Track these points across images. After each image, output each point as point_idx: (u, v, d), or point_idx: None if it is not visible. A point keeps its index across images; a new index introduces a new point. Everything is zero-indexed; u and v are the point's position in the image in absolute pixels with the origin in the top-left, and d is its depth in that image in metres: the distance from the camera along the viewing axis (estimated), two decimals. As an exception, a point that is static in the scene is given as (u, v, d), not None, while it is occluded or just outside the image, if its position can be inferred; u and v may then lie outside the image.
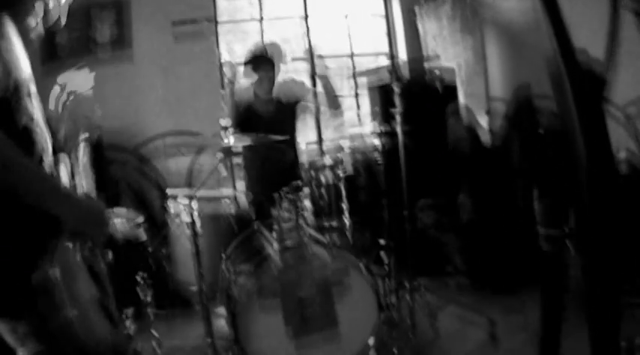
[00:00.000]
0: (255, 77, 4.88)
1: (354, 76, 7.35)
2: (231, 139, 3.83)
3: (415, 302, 4.41)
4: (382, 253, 4.67)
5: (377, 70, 5.47)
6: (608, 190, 0.92)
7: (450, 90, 6.30)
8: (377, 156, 4.55)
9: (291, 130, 4.99)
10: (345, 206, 4.29)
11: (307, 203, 4.27)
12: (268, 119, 4.84)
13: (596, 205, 0.92)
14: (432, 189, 5.71)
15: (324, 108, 4.98)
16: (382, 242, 4.65)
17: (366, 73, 5.57)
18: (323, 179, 4.35)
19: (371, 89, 6.32)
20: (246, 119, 4.80)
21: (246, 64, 4.87)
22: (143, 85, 6.28)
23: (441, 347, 4.26)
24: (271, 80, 4.91)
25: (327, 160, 4.37)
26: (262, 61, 4.85)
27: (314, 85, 5.23)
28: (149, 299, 4.13)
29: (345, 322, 3.65)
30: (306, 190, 4.27)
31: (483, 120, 6.01)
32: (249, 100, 4.95)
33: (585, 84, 0.97)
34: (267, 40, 6.75)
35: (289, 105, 5.02)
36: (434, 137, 5.82)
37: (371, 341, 3.77)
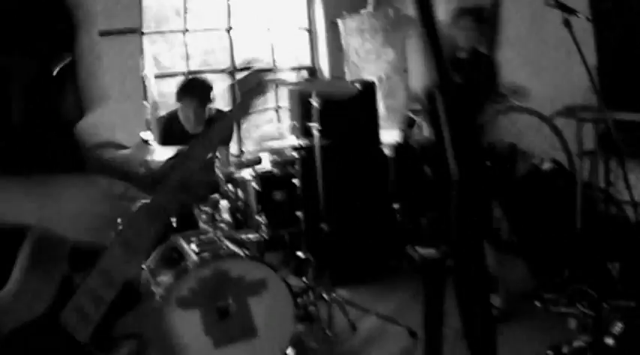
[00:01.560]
0: (183, 108, 4.85)
1: (276, 88, 7.38)
2: (153, 152, 3.83)
3: (333, 313, 4.49)
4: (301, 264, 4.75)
5: (298, 83, 5.53)
6: (475, 206, 0.98)
7: (369, 88, 6.33)
8: (295, 168, 4.61)
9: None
10: (262, 218, 4.35)
11: (225, 215, 4.33)
12: (194, 134, 4.85)
13: (464, 225, 0.98)
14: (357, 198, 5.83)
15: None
16: (300, 254, 4.72)
17: (288, 84, 5.62)
18: (240, 192, 4.42)
19: (291, 98, 6.36)
20: (170, 131, 4.79)
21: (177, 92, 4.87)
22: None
23: (360, 348, 4.36)
24: (198, 116, 4.85)
25: (246, 174, 4.44)
26: (189, 94, 4.85)
27: (234, 95, 5.23)
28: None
29: (264, 332, 3.72)
30: (224, 203, 4.33)
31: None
32: (174, 114, 4.96)
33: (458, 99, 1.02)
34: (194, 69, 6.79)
35: (214, 118, 5.06)
36: (351, 140, 5.91)
37: (290, 351, 3.85)
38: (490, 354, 1.11)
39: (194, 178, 1.75)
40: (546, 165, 5.28)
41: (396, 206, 6.06)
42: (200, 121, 4.82)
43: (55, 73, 1.73)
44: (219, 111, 4.98)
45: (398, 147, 5.68)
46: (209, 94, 4.84)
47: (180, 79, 5.24)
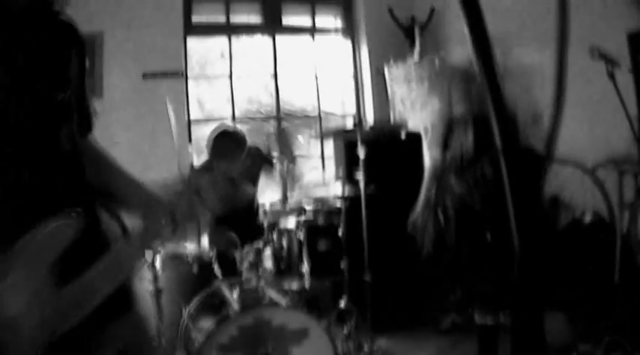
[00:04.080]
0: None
1: (321, 136, 7.40)
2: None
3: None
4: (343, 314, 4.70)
5: (344, 131, 5.53)
6: (537, 282, 0.95)
7: (414, 138, 6.34)
8: (339, 218, 4.59)
9: (254, 182, 5.07)
10: (305, 268, 4.33)
11: (268, 263, 4.32)
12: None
13: (525, 297, 0.94)
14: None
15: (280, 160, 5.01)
16: (342, 304, 4.68)
17: (333, 132, 5.63)
18: (284, 241, 4.40)
19: (336, 146, 6.36)
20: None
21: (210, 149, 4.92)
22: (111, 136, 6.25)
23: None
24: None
25: (290, 222, 4.43)
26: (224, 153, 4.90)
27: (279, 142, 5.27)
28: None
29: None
30: (268, 251, 4.32)
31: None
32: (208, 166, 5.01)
33: (523, 168, 1.00)
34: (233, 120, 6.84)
35: (255, 160, 5.08)
36: (399, 188, 5.89)
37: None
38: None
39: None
40: (587, 218, 5.20)
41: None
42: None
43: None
44: (257, 149, 5.04)
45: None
46: (240, 150, 4.89)
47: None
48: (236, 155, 4.86)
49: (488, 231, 4.32)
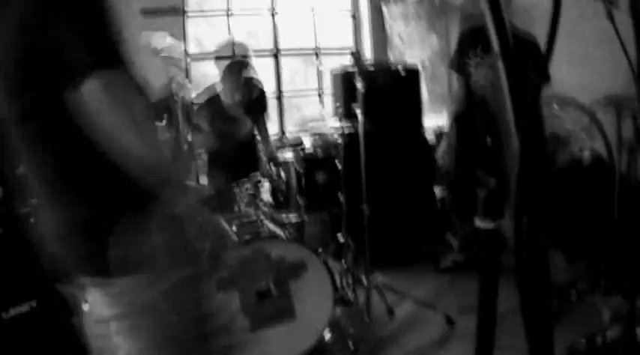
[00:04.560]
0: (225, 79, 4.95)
1: (320, 71, 7.37)
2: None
3: (371, 298, 4.46)
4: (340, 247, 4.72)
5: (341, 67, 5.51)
6: (539, 187, 0.95)
7: (413, 74, 6.32)
8: (337, 151, 4.58)
9: (257, 120, 5.13)
10: (303, 201, 4.33)
11: (266, 196, 4.32)
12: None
13: (525, 202, 0.94)
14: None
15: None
16: (340, 237, 4.70)
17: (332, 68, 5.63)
18: (283, 173, 4.40)
19: (335, 81, 6.33)
20: (214, 113, 4.95)
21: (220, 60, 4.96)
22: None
23: (397, 333, 4.33)
24: (240, 85, 4.98)
25: (288, 155, 4.42)
26: (235, 68, 4.96)
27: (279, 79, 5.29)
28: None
29: (302, 315, 3.70)
30: (266, 184, 4.32)
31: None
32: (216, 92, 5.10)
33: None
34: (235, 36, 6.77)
35: (259, 88, 5.13)
36: (395, 125, 5.90)
37: (327, 332, 3.84)
38: (547, 331, 1.09)
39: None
40: (586, 155, 5.20)
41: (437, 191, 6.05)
42: (239, 90, 4.92)
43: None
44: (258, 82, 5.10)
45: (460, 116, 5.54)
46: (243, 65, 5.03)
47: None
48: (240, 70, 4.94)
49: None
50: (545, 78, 4.35)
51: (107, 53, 1.60)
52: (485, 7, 1.01)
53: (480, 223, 1.18)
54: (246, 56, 5.09)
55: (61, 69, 1.56)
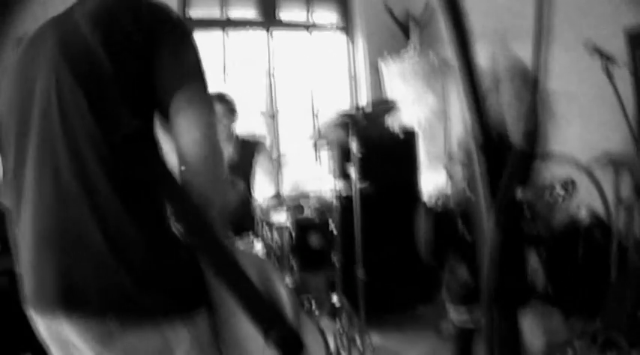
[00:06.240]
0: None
1: (317, 131, 7.37)
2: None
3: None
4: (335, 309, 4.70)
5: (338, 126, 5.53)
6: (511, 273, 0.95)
7: (411, 136, 6.37)
8: (332, 214, 4.58)
9: (249, 171, 5.10)
10: (295, 262, 4.32)
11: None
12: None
13: (496, 296, 0.94)
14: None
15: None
16: (335, 299, 4.68)
17: (328, 128, 5.62)
18: (276, 235, 4.40)
19: (330, 141, 6.34)
20: None
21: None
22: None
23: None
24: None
25: (282, 217, 4.42)
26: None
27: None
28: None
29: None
30: (258, 244, 4.31)
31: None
32: None
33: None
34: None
35: (250, 147, 5.11)
36: (394, 184, 5.91)
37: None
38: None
39: None
40: (583, 213, 5.21)
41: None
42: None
43: None
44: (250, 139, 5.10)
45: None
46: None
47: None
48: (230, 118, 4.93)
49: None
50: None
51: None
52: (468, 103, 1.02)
53: (453, 314, 1.18)
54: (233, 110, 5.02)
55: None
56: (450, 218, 4.65)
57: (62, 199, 1.69)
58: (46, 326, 1.78)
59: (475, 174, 0.99)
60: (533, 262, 5.01)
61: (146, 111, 1.77)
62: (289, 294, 1.88)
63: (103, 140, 1.67)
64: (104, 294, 1.66)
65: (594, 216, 5.24)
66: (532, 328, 4.25)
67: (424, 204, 5.19)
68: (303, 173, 7.03)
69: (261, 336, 1.67)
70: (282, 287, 1.91)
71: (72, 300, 1.66)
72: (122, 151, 1.68)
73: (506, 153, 0.99)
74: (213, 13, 7.03)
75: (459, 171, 4.56)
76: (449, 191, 4.70)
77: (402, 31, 7.37)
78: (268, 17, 7.30)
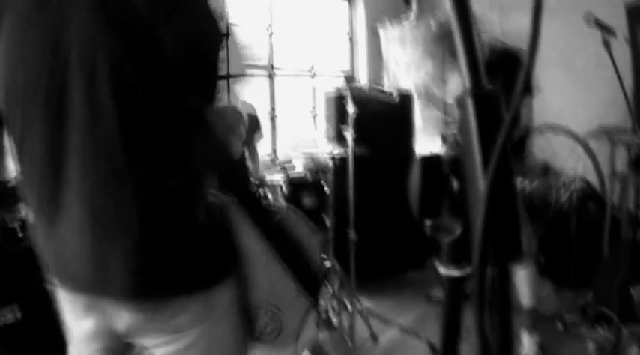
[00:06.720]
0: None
1: (314, 93, 7.35)
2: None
3: (355, 323, 4.45)
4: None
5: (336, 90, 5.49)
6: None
7: (407, 100, 6.36)
8: (326, 175, 4.58)
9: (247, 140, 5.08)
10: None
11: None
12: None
13: (488, 251, 0.92)
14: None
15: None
16: (326, 262, 4.69)
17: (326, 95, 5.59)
18: (270, 195, 4.39)
19: (328, 103, 6.32)
20: None
21: None
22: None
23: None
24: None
25: (277, 177, 4.41)
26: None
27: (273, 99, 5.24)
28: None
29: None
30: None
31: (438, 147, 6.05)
32: None
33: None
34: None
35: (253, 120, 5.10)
36: (389, 147, 5.91)
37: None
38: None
39: None
40: (577, 185, 5.22)
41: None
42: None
43: None
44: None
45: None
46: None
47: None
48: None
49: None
50: (529, 90, 4.31)
51: None
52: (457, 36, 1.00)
53: (443, 271, 1.17)
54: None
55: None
56: (442, 171, 4.65)
57: (113, 178, 1.54)
58: (86, 306, 1.69)
59: (466, 123, 0.97)
60: (526, 231, 5.03)
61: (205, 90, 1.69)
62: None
63: (159, 122, 1.55)
64: (168, 277, 1.60)
65: (588, 189, 5.25)
66: (522, 289, 4.25)
67: (418, 159, 5.18)
68: (298, 133, 7.03)
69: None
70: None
71: (144, 286, 1.58)
72: (178, 134, 1.60)
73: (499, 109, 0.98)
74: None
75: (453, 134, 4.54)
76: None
77: (402, -2, 7.32)
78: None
